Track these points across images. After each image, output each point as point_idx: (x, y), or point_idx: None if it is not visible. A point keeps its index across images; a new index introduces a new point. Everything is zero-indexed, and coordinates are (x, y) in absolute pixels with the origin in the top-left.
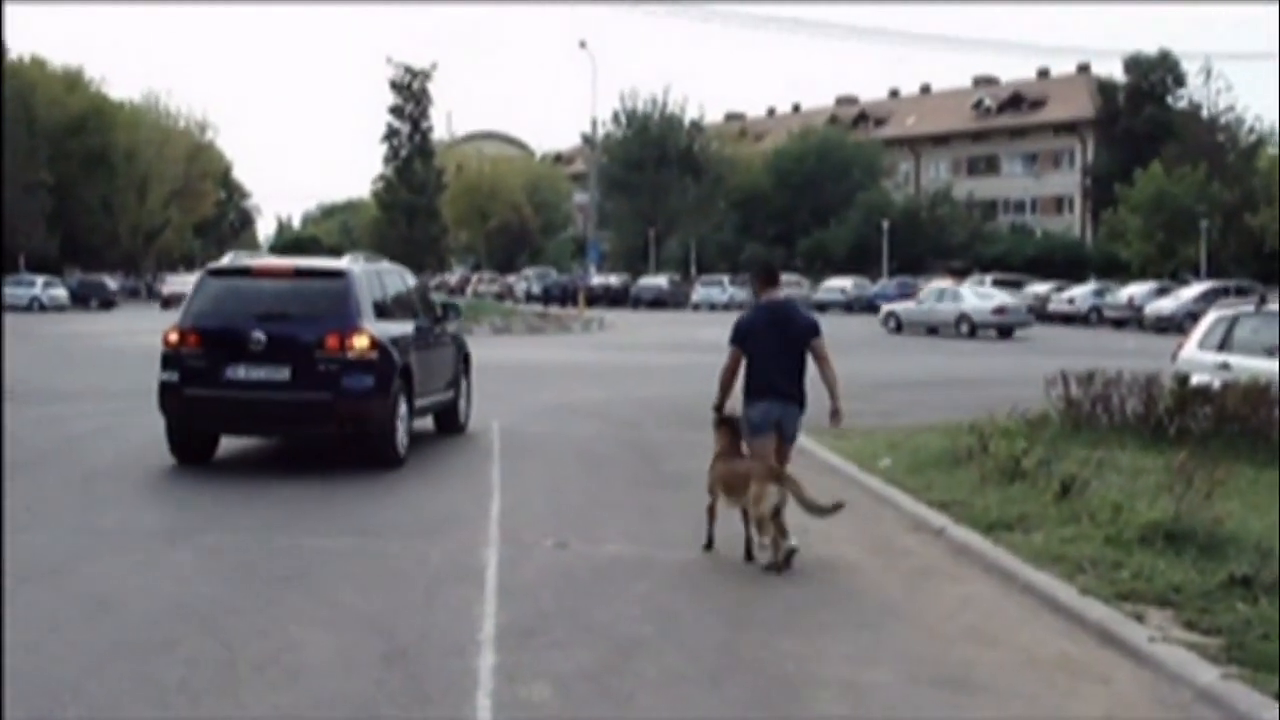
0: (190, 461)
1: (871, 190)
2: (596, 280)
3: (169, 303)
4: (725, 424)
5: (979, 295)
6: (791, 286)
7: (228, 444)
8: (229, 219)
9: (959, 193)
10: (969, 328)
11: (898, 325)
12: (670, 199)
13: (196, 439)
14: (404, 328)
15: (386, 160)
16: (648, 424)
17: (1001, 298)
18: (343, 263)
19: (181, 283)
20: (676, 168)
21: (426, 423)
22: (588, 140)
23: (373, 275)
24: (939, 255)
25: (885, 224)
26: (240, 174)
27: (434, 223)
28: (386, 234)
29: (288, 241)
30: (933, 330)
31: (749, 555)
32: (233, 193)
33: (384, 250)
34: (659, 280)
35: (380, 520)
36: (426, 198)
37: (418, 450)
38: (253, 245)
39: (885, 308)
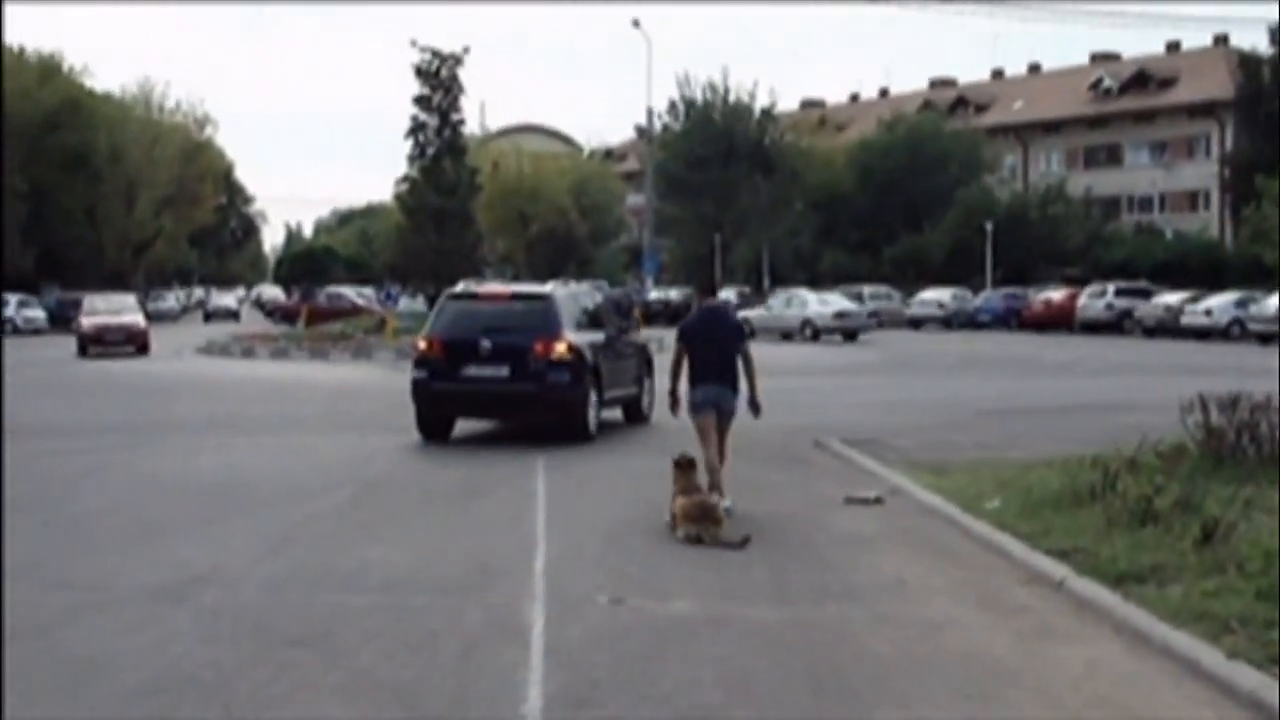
0: (434, 439)
1: (972, 187)
2: (654, 295)
3: (91, 342)
4: (680, 467)
5: (821, 301)
6: (880, 300)
7: (238, 492)
8: (230, 227)
9: (1074, 188)
10: (812, 332)
11: (751, 330)
12: (738, 200)
13: (439, 421)
14: (595, 336)
15: (412, 159)
16: None
17: (841, 304)
18: (546, 288)
19: (110, 311)
20: (745, 164)
21: (616, 414)
22: (643, 134)
23: (570, 296)
24: (1051, 261)
25: (988, 226)
26: (243, 176)
27: (467, 230)
28: (412, 243)
29: (298, 253)
30: (786, 336)
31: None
32: (234, 197)
33: (410, 262)
34: (726, 294)
35: (407, 570)
36: (458, 201)
37: (452, 480)
38: (257, 256)
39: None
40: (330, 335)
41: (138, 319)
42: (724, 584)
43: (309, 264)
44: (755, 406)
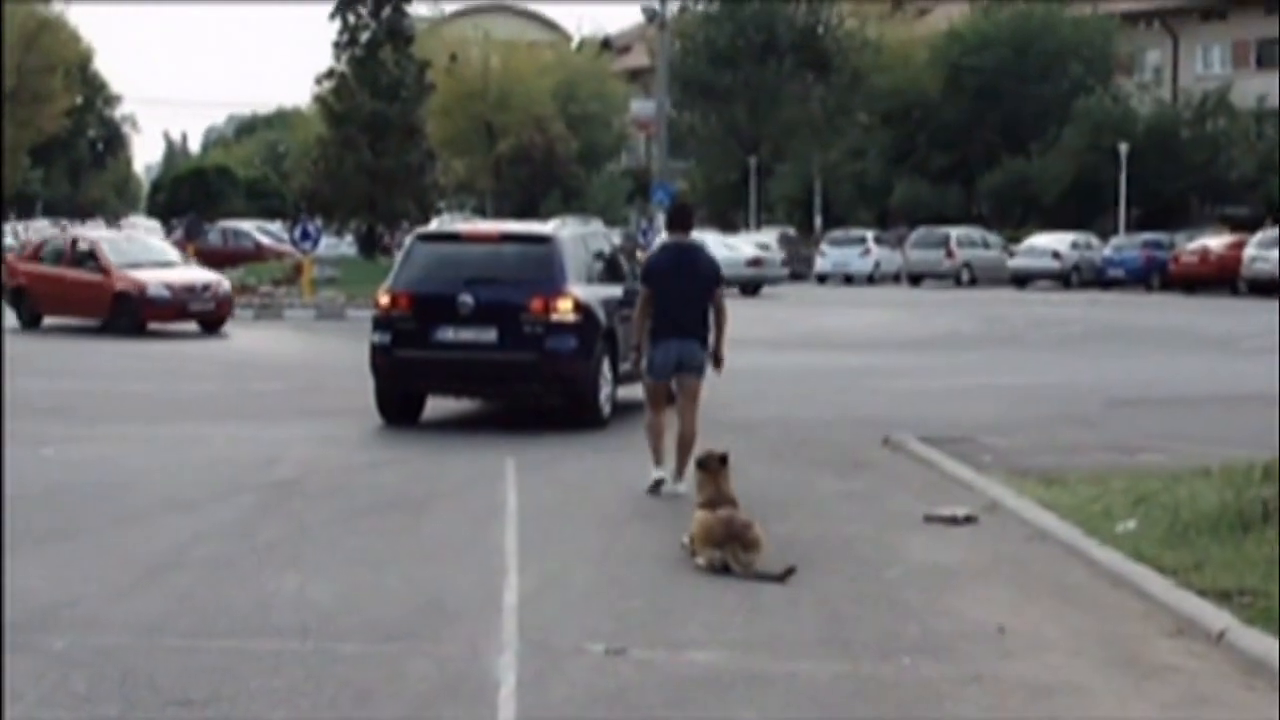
0: (397, 422)
1: (1100, 95)
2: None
3: (168, 313)
4: (706, 469)
5: (727, 246)
6: (973, 247)
7: (73, 504)
8: (88, 138)
9: (1242, 96)
10: None
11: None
12: (781, 110)
13: (404, 399)
14: (610, 291)
15: (338, 47)
16: (750, 460)
17: (752, 250)
18: (549, 227)
19: (154, 261)
20: (791, 61)
21: (636, 391)
22: (653, 18)
23: (579, 239)
24: (1208, 197)
25: (1122, 149)
26: (106, 68)
27: (413, 146)
28: (338, 163)
29: (182, 174)
30: None
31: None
32: (95, 97)
33: (335, 188)
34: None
35: (330, 607)
36: (401, 106)
37: (392, 484)
38: (126, 178)
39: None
40: None
41: (217, 276)
42: (760, 629)
43: (196, 189)
44: (717, 360)
